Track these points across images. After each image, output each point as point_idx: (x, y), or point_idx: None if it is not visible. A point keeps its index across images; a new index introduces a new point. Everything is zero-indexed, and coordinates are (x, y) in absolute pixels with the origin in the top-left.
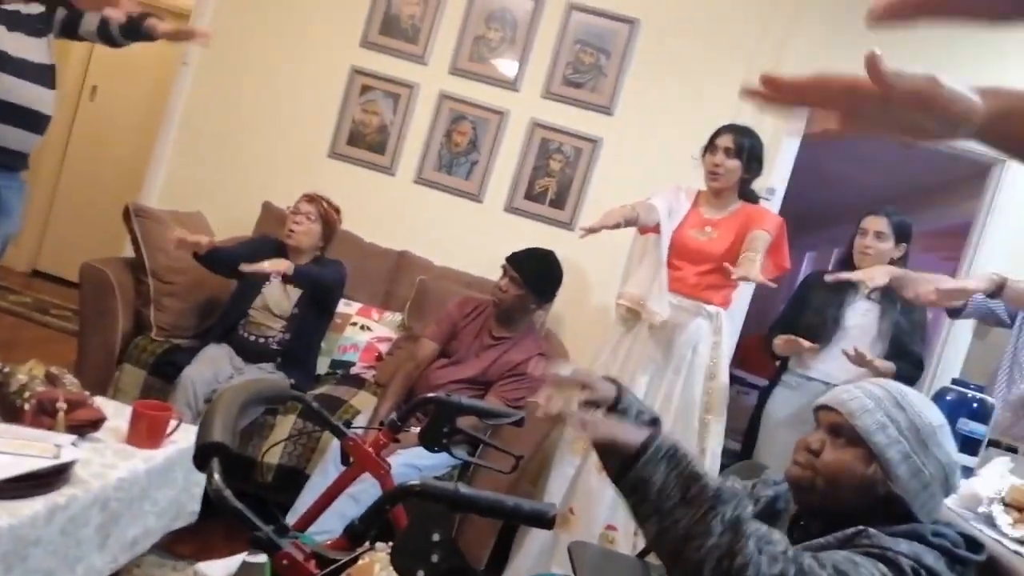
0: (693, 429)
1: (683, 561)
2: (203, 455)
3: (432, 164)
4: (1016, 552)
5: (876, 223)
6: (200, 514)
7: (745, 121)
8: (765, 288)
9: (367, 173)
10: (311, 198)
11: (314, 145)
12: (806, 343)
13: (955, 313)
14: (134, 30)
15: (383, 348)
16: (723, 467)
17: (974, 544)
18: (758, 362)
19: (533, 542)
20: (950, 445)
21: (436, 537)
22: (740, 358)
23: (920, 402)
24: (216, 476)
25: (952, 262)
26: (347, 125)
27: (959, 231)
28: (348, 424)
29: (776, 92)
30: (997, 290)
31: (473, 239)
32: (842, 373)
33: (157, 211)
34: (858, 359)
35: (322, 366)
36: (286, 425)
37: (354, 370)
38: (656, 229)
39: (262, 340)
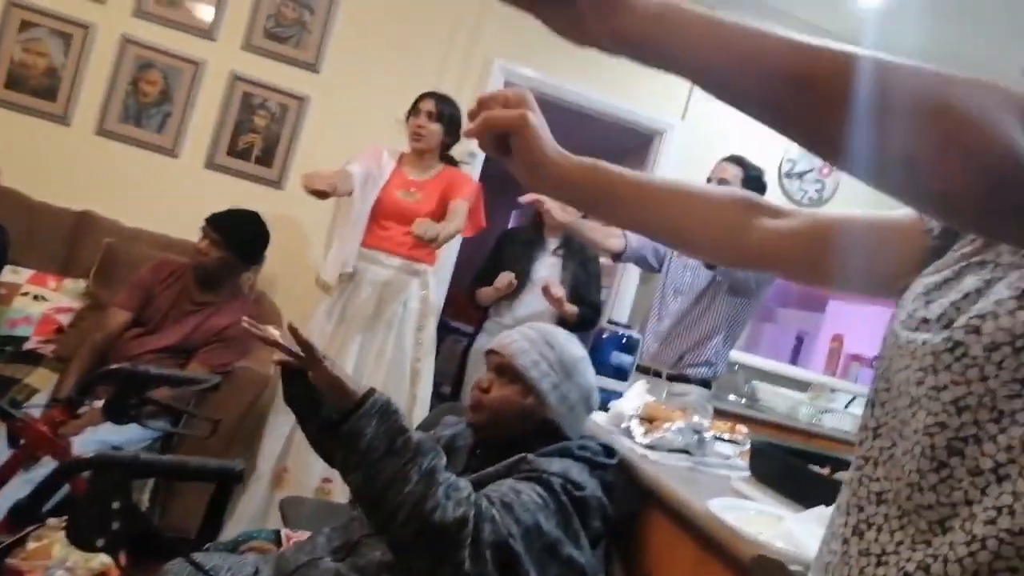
0: (405, 376)
1: (383, 508)
2: None
3: (117, 115)
4: (643, 455)
5: None
6: None
7: (447, 89)
8: (472, 245)
9: (33, 122)
10: None
11: None
12: (509, 278)
13: (617, 257)
14: None
15: (63, 319)
16: (431, 408)
17: (610, 451)
18: (467, 313)
19: (247, 505)
20: (590, 373)
21: (116, 505)
22: (453, 310)
23: (566, 339)
24: None
25: None
26: (2, 65)
27: None
28: (17, 404)
29: None
30: None
31: (169, 198)
32: (532, 319)
33: None
34: (550, 296)
35: None
36: None
37: (28, 345)
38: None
39: None
